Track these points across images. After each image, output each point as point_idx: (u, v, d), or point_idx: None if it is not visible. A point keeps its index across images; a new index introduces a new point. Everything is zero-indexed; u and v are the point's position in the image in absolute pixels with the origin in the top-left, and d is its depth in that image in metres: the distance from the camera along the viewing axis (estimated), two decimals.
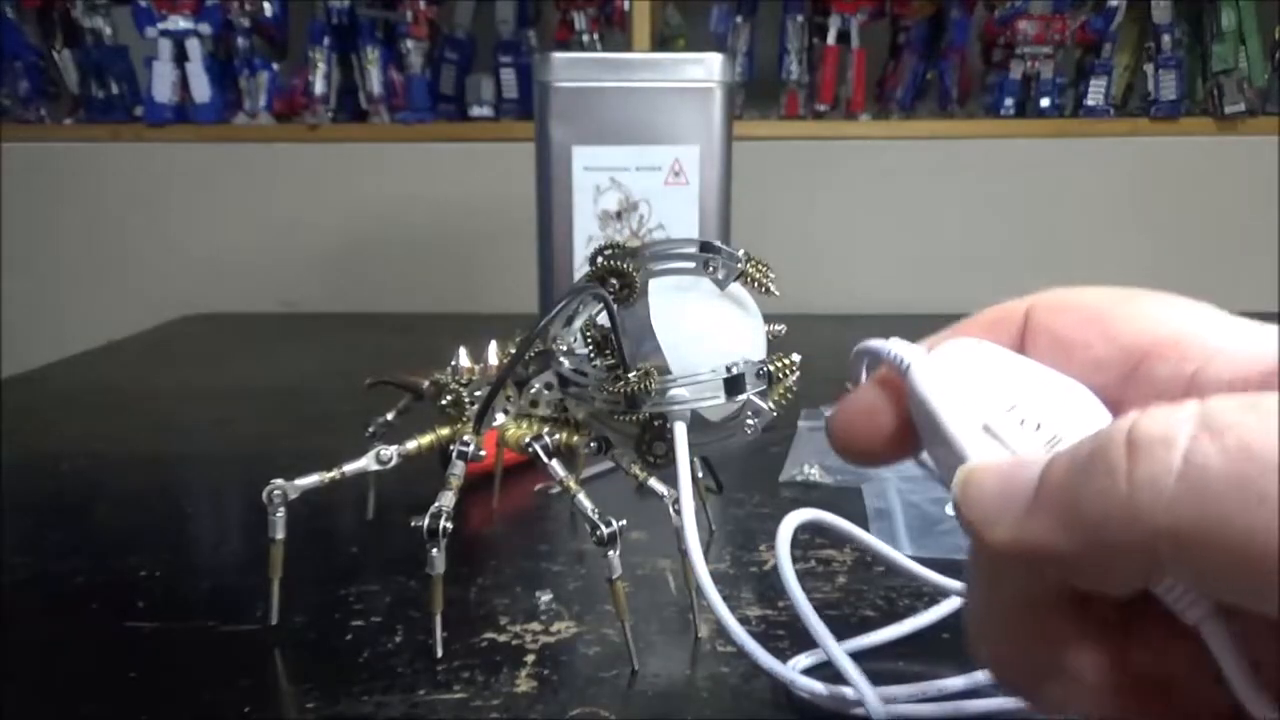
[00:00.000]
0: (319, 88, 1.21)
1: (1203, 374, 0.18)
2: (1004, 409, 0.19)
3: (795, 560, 0.42)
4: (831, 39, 1.19)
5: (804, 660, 0.33)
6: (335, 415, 0.68)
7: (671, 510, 0.34)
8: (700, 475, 0.45)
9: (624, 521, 0.33)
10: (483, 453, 0.35)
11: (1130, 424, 0.16)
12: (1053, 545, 0.17)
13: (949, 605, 0.37)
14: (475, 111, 1.22)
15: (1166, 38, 1.17)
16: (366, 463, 0.37)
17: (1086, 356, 0.20)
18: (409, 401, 0.44)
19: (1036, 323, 0.21)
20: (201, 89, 1.21)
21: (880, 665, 0.34)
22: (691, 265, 0.32)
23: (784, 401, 0.32)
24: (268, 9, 1.22)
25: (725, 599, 0.28)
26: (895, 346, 0.22)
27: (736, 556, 0.44)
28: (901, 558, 0.35)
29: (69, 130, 1.27)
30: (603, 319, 0.32)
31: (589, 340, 0.32)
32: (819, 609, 0.38)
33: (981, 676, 0.32)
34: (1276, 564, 0.14)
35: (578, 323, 0.34)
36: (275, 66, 1.24)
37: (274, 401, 0.76)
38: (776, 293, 0.32)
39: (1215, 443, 0.15)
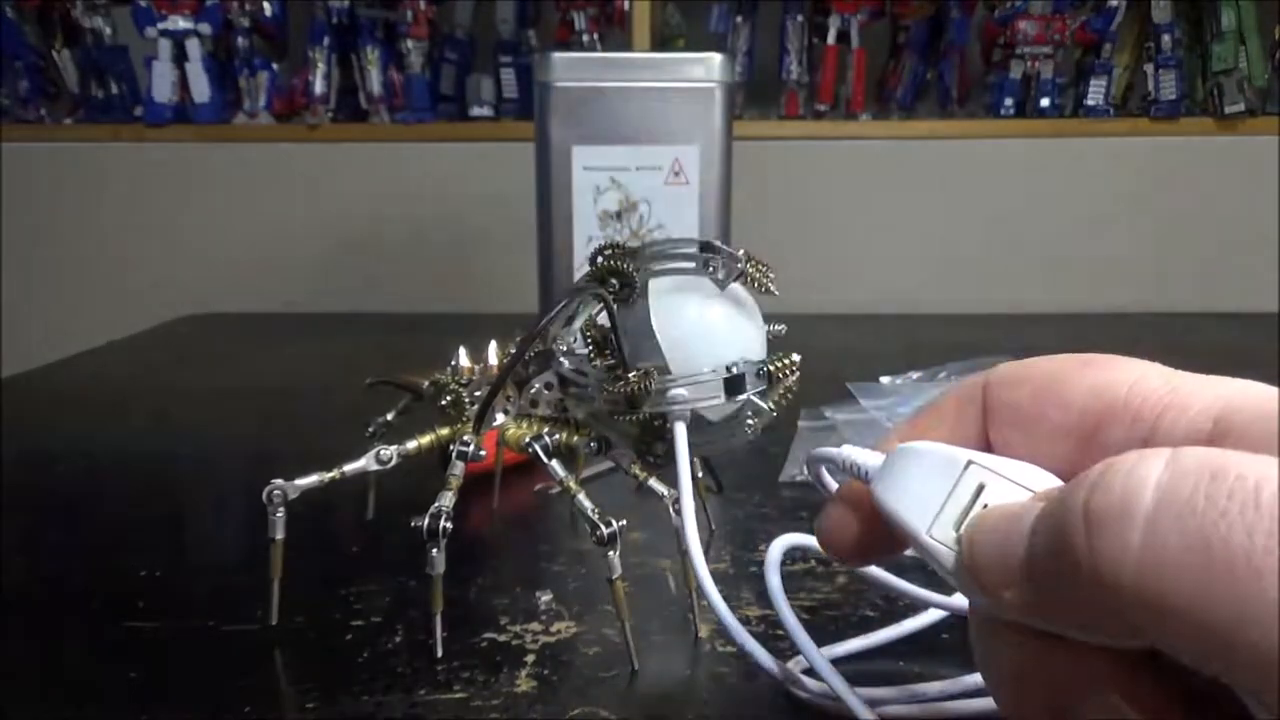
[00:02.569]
0: (319, 88, 1.21)
1: (1155, 434, 0.19)
2: (966, 504, 0.20)
3: (795, 560, 0.42)
4: (831, 39, 1.19)
5: (804, 660, 0.33)
6: (335, 415, 0.68)
7: (671, 510, 0.34)
8: (700, 475, 0.45)
9: (624, 521, 0.33)
10: (483, 453, 0.35)
11: (1085, 493, 0.16)
12: (1054, 610, 0.17)
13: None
14: (475, 111, 1.22)
15: (1166, 38, 1.17)
16: (366, 463, 0.37)
17: (1045, 427, 0.21)
18: (409, 401, 0.44)
19: (994, 399, 0.22)
20: (201, 89, 1.21)
21: (880, 665, 0.34)
22: (691, 265, 0.32)
23: (784, 401, 0.32)
24: (268, 9, 1.22)
25: (725, 599, 0.28)
26: (851, 454, 0.23)
27: (736, 556, 0.44)
28: (882, 574, 0.34)
29: (69, 130, 1.27)
30: (603, 319, 0.32)
31: (589, 340, 0.32)
32: (819, 609, 0.38)
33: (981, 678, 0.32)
34: (1241, 647, 0.14)
35: (578, 323, 0.34)
36: (275, 66, 1.24)
37: (274, 401, 0.76)
38: (776, 293, 0.32)
39: (1175, 524, 0.15)
